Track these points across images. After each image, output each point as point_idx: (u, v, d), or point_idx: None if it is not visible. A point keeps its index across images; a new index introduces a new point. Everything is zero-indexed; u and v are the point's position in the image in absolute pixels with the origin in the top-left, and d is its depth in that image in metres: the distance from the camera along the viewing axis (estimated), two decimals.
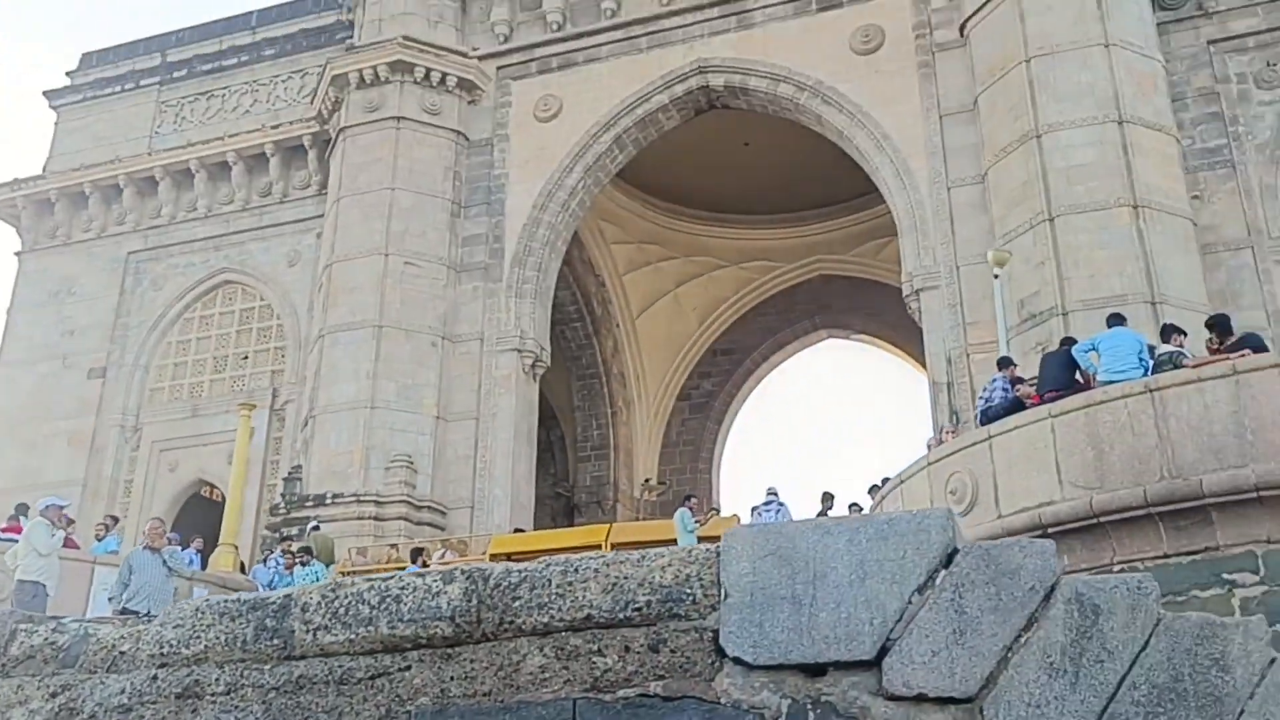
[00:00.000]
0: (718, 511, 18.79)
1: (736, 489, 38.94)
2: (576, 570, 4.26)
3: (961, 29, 19.74)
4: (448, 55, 22.50)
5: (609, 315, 30.18)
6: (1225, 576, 7.35)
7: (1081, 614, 3.70)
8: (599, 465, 29.94)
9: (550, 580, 4.28)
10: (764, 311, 31.84)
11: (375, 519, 19.80)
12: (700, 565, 4.14)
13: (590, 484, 29.75)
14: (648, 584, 4.15)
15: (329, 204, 22.55)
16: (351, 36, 24.05)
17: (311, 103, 23.79)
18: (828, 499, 14.68)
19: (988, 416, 9.63)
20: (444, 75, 22.36)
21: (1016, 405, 9.51)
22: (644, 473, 30.89)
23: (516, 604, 4.27)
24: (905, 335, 26.80)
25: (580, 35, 22.56)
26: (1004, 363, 11.03)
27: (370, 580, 4.57)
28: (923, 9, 20.45)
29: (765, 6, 21.49)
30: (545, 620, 4.22)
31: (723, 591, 4.05)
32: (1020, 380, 10.28)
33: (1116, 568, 7.77)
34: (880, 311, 29.34)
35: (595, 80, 22.31)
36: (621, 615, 4.14)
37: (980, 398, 10.45)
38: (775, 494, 14.11)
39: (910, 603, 3.82)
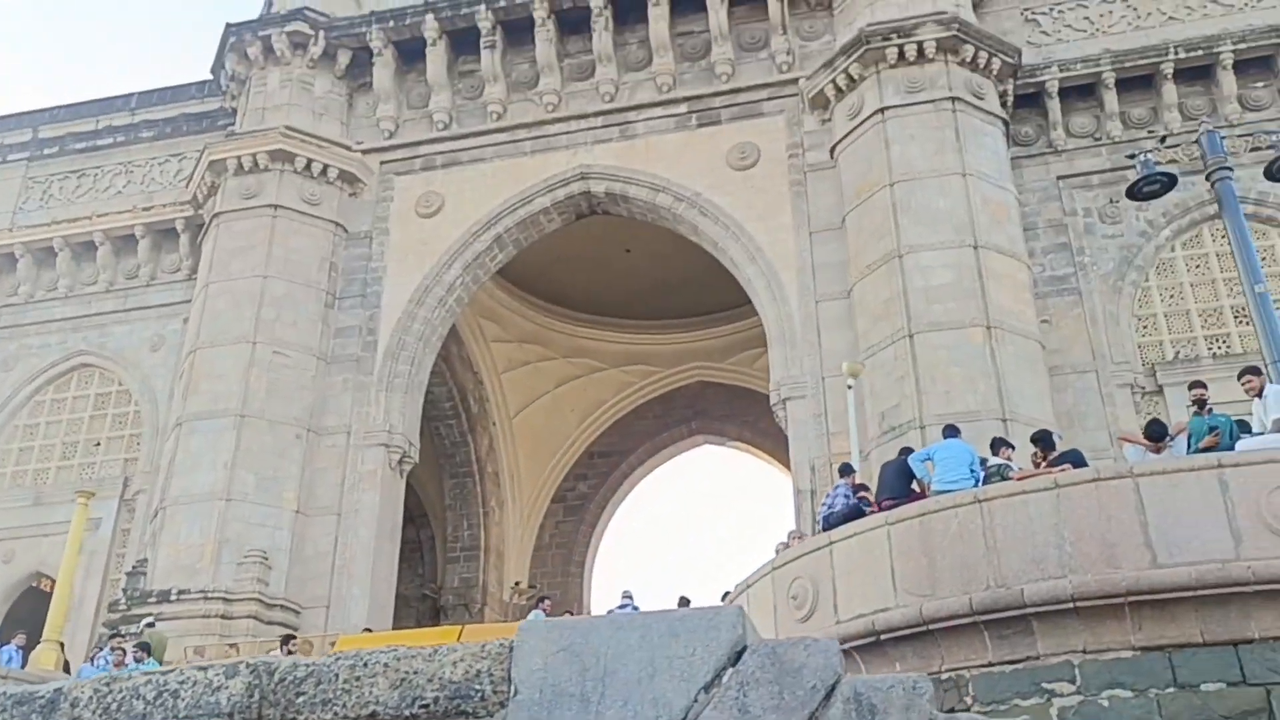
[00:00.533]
0: (570, 614, 18.47)
1: (608, 593, 38.45)
2: (366, 665, 4.12)
3: (832, 152, 20.67)
4: (331, 147, 22.48)
5: (486, 413, 29.95)
6: (1044, 686, 7.53)
7: (859, 712, 3.74)
8: (468, 566, 29.30)
9: (338, 675, 4.13)
10: (642, 415, 32.05)
11: (223, 617, 18.87)
12: (492, 661, 4.05)
13: (458, 585, 29.03)
14: (437, 680, 4.04)
15: (198, 289, 22.02)
16: (234, 123, 23.88)
17: (187, 186, 23.39)
18: (684, 604, 14.60)
19: (829, 523, 9.81)
20: (325, 166, 22.30)
21: (857, 511, 9.72)
22: (514, 575, 30.34)
23: (300, 700, 4.10)
24: (777, 443, 27.22)
25: (466, 135, 22.85)
26: (845, 470, 11.30)
27: (149, 675, 4.33)
28: (796, 131, 21.36)
29: (647, 119, 22.16)
30: (329, 717, 4.05)
31: (513, 688, 3.96)
32: (864, 487, 10.54)
33: (945, 675, 7.89)
34: (755, 419, 29.82)
35: (479, 180, 22.55)
36: (408, 712, 4.00)
37: (823, 504, 10.65)
38: (630, 597, 13.98)
39: (696, 700, 3.80)
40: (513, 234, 22.44)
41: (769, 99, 21.78)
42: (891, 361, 18.41)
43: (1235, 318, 19.40)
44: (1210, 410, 9.20)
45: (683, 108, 22.08)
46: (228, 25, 23.25)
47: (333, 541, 20.13)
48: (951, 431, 10.57)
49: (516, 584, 29.90)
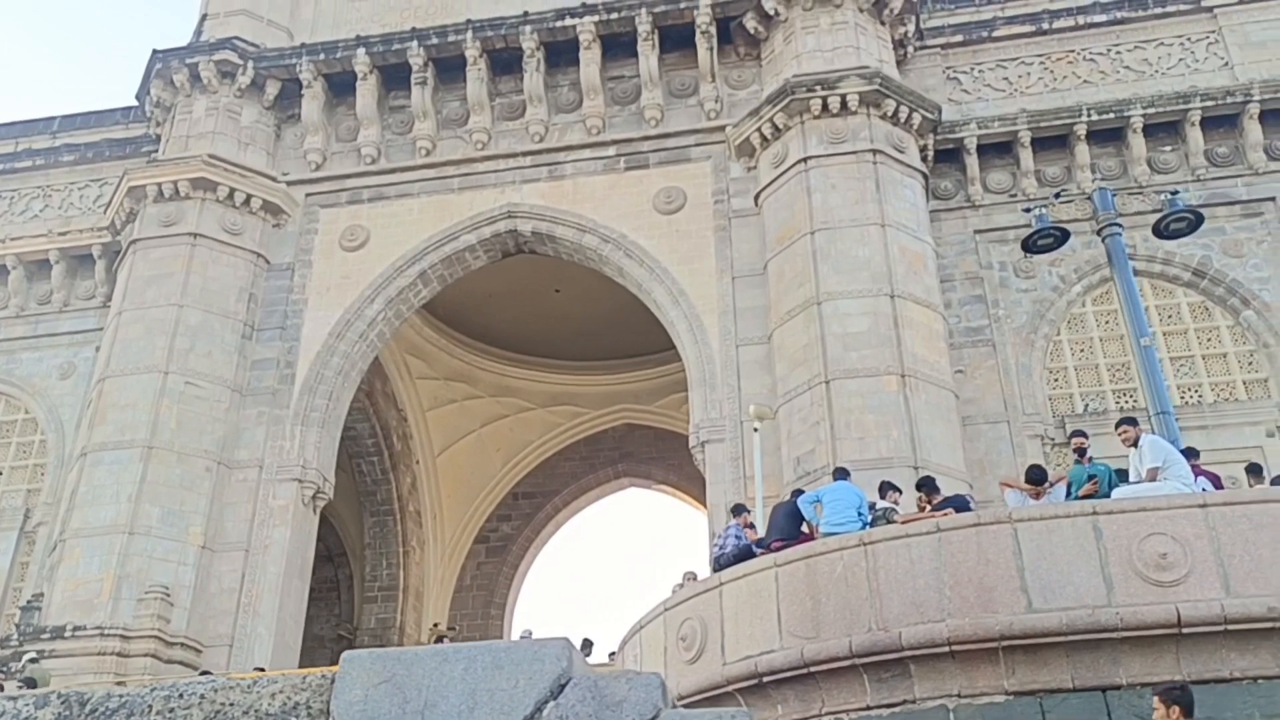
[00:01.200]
0: None
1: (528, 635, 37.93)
2: (182, 696, 3.99)
3: (756, 199, 20.94)
4: (255, 177, 22.25)
5: (409, 451, 29.60)
6: None
7: None
8: (386, 607, 28.75)
9: (151, 706, 3.98)
10: (569, 456, 31.90)
11: (119, 655, 18.25)
12: (312, 693, 3.94)
13: (375, 626, 28.45)
14: (254, 711, 3.91)
15: (110, 316, 21.54)
16: (158, 150, 23.55)
17: (105, 212, 22.96)
18: (587, 645, 14.45)
19: (720, 564, 9.79)
20: (249, 196, 22.04)
21: (748, 552, 9.72)
22: (434, 616, 29.82)
23: None
24: (702, 487, 27.17)
25: (394, 170, 22.77)
26: (737, 510, 11.32)
27: None
28: (722, 177, 21.62)
29: (576, 160, 22.29)
30: None
31: None
32: (752, 527, 10.55)
33: (825, 717, 7.87)
34: (680, 463, 29.77)
35: (405, 215, 22.44)
36: None
37: (715, 544, 10.64)
38: (529, 636, 13.80)
39: None
40: (438, 270, 22.32)
41: (697, 145, 22.04)
42: (808, 407, 18.56)
43: None
44: (1090, 459, 9.38)
45: (611, 150, 22.25)
46: (155, 51, 23.00)
47: (239, 578, 19.62)
48: (841, 474, 10.66)
49: (435, 625, 29.35)
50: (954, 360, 19.83)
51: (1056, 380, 20.18)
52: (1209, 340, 19.98)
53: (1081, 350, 20.15)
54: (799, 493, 10.74)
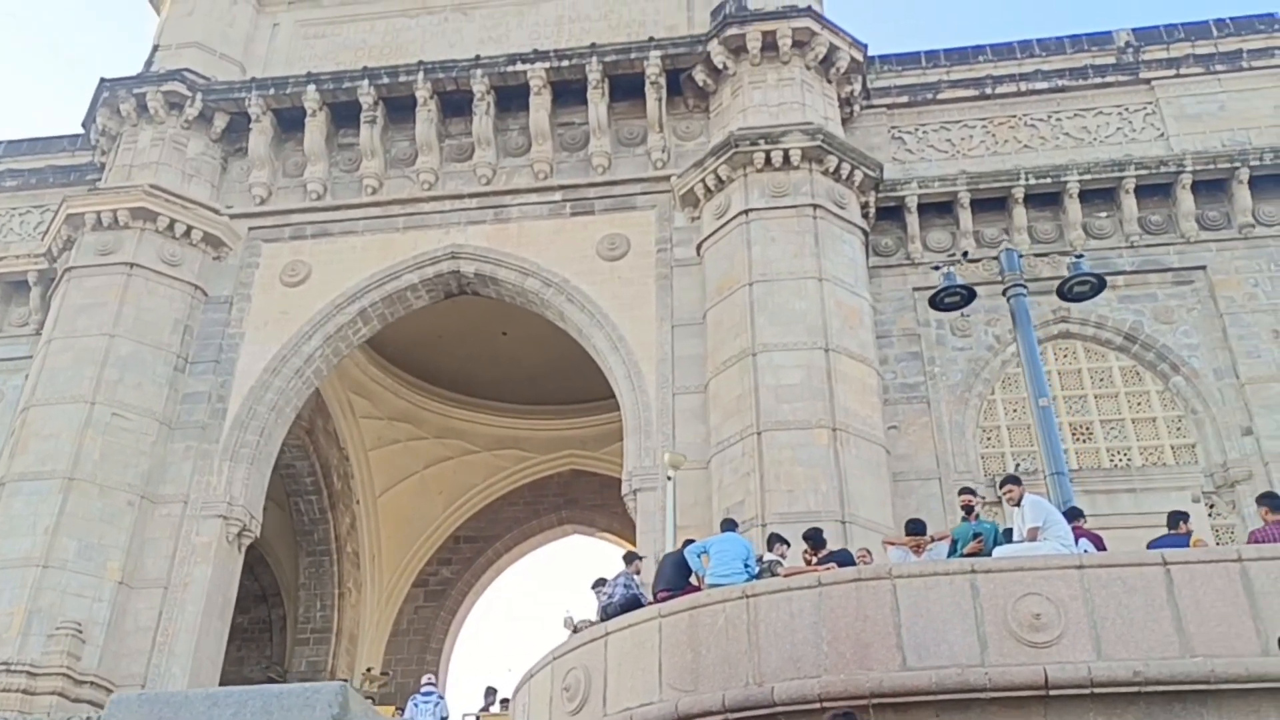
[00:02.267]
0: (373, 700, 17.86)
1: (465, 682, 37.35)
2: None
3: (698, 248, 21.04)
4: (197, 209, 22.11)
5: (349, 491, 29.25)
6: None
7: None
8: (318, 650, 28.21)
9: None
10: (512, 501, 31.64)
11: (24, 692, 17.73)
12: None
13: (305, 669, 27.87)
14: None
15: (40, 344, 21.24)
16: (102, 179, 23.39)
17: (43, 239, 22.72)
18: (490, 694, 14.21)
19: (608, 613, 9.66)
20: (189, 228, 21.89)
21: (635, 602, 9.60)
22: (368, 661, 29.28)
23: None
24: None
25: (339, 207, 22.72)
26: (629, 558, 11.20)
27: None
28: (667, 226, 21.72)
29: (522, 204, 22.34)
30: None
31: None
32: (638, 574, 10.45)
33: None
34: (625, 511, 29.45)
35: (348, 252, 22.35)
36: None
37: (605, 593, 10.51)
38: (433, 684, 13.56)
39: None
40: (378, 309, 22.20)
41: (643, 193, 22.17)
42: (739, 458, 18.51)
43: (1073, 435, 20.04)
44: (977, 517, 9.37)
45: (558, 195, 22.34)
46: (102, 80, 22.94)
47: (156, 616, 19.19)
48: (729, 525, 10.59)
49: (368, 670, 28.80)
50: (888, 416, 19.89)
51: (989, 439, 20.26)
52: (1139, 404, 20.17)
53: (1014, 410, 20.25)
54: (689, 542, 10.66)
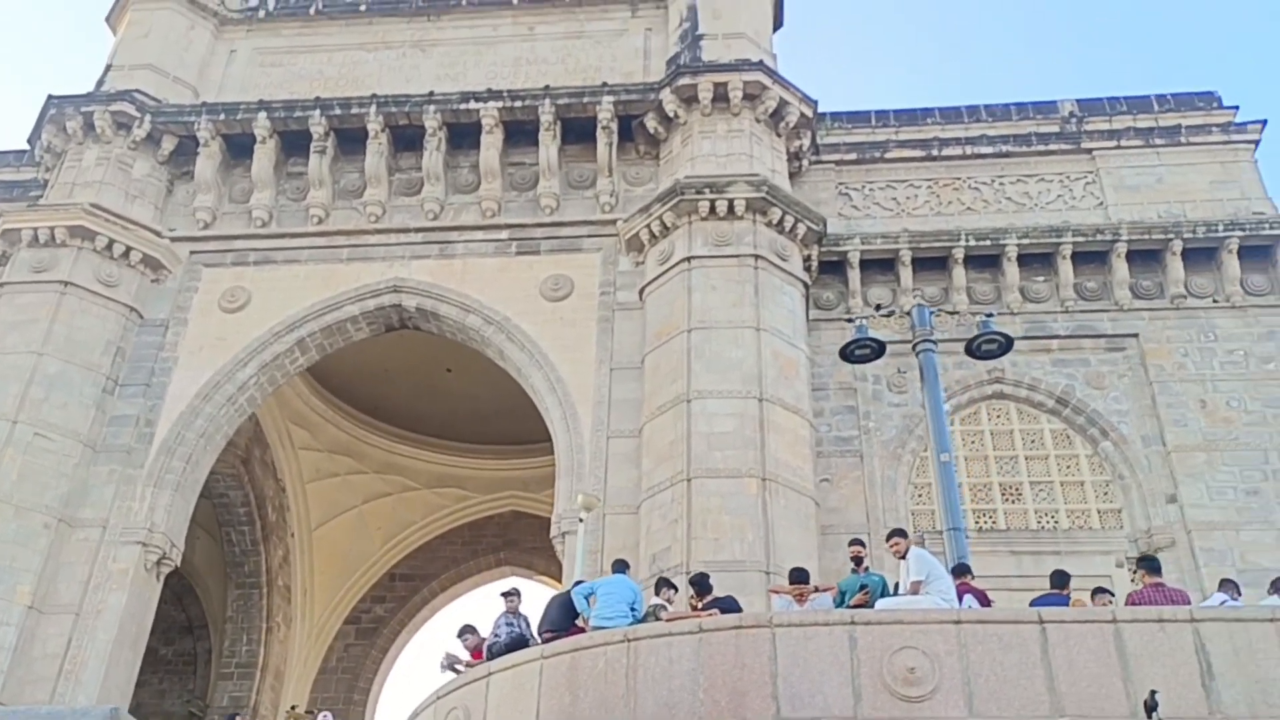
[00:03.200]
0: None
1: None
2: None
3: (641, 293, 21.09)
4: (137, 230, 21.92)
5: (284, 523, 28.79)
6: None
7: None
8: (242, 685, 27.55)
9: None
10: (451, 540, 31.27)
11: None
12: None
13: (228, 705, 27.17)
14: None
15: None
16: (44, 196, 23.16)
17: None
18: None
19: (492, 652, 9.51)
20: (128, 249, 21.68)
21: (521, 641, 9.46)
22: (294, 698, 28.64)
23: None
24: None
25: (283, 235, 22.62)
26: (509, 595, 11.05)
27: None
28: (611, 270, 21.78)
29: (468, 241, 22.33)
30: None
31: None
32: (515, 613, 10.31)
33: None
34: None
35: (290, 281, 22.20)
36: None
37: (492, 633, 10.35)
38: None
39: None
40: (317, 339, 22.02)
41: (589, 236, 22.23)
42: (669, 504, 18.42)
43: (1003, 495, 20.14)
44: (866, 569, 9.34)
45: (504, 234, 22.36)
46: (50, 96, 22.82)
47: (65, 643, 18.69)
48: (620, 567, 10.50)
49: (293, 709, 28.14)
50: (821, 469, 19.91)
51: (920, 495, 20.30)
52: (1068, 468, 20.32)
53: None
54: (579, 583, 10.54)
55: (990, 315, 13.48)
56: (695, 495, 18.20)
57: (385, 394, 28.97)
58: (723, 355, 19.47)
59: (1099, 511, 19.78)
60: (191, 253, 22.57)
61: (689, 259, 20.49)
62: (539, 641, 9.40)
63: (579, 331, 21.21)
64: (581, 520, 15.53)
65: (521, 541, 30.98)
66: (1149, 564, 9.31)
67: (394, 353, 26.23)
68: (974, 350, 12.45)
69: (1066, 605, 8.97)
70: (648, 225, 21.25)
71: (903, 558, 9.07)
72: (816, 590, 9.33)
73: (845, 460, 20.35)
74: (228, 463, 26.12)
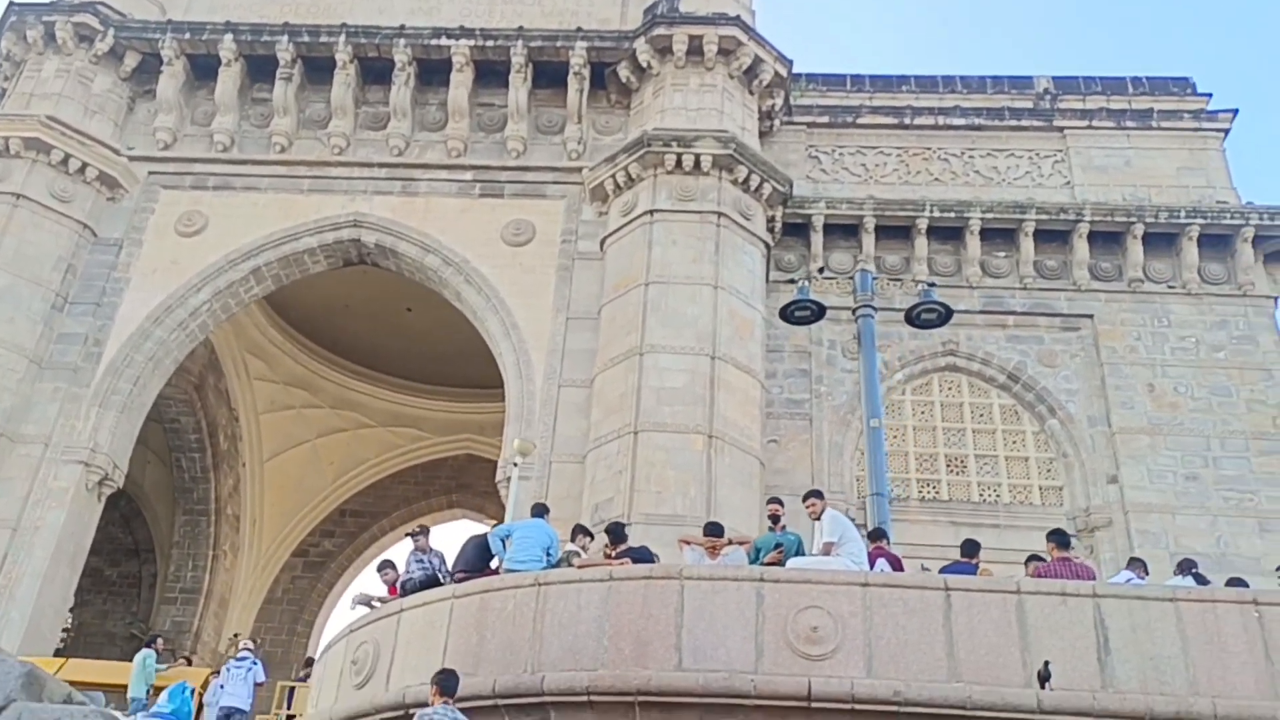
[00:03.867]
0: (189, 661, 17.70)
1: None
2: None
3: (602, 244, 20.96)
4: (95, 146, 21.50)
5: (236, 453, 28.67)
6: None
7: None
8: (185, 610, 27.58)
9: None
10: (404, 480, 31.28)
11: None
12: None
13: (170, 629, 27.18)
14: None
15: None
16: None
17: None
18: (309, 664, 13.99)
19: (406, 590, 9.55)
20: (84, 165, 21.28)
21: (432, 580, 9.50)
22: (237, 626, 28.70)
23: None
24: None
25: (244, 162, 22.25)
26: (415, 534, 11.07)
27: None
28: (574, 218, 21.62)
29: (431, 179, 22.07)
30: None
31: None
32: (426, 551, 10.36)
33: None
34: None
35: (249, 208, 21.88)
36: None
37: (406, 571, 10.39)
38: (250, 650, 13.32)
39: None
40: (273, 269, 21.78)
41: (554, 182, 22.03)
42: (614, 455, 18.47)
43: (948, 466, 20.32)
44: (784, 527, 9.41)
45: (468, 175, 22.11)
46: (11, 3, 22.25)
47: (1, 557, 18.58)
48: (539, 511, 10.53)
49: (235, 636, 28.21)
50: (770, 430, 20.00)
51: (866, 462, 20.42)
52: (1014, 443, 20.52)
53: (894, 436, 20.44)
54: (497, 525, 10.58)
55: (933, 285, 13.48)
56: (641, 448, 18.24)
57: (345, 329, 28.76)
58: (679, 311, 19.43)
59: (1040, 488, 20.02)
60: (150, 173, 22.19)
61: (652, 212, 20.35)
62: (452, 580, 9.44)
63: (538, 278, 21.09)
64: (516, 465, 15.56)
65: (475, 485, 31.01)
66: (1058, 538, 9.44)
67: (355, 288, 26.02)
68: (913, 319, 12.48)
69: (974, 574, 9.10)
70: (613, 175, 21.07)
71: (818, 519, 9.15)
72: (730, 544, 9.41)
73: (795, 423, 20.44)
74: (180, 389, 25.94)
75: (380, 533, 30.94)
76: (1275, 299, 21.19)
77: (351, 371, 29.92)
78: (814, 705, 7.31)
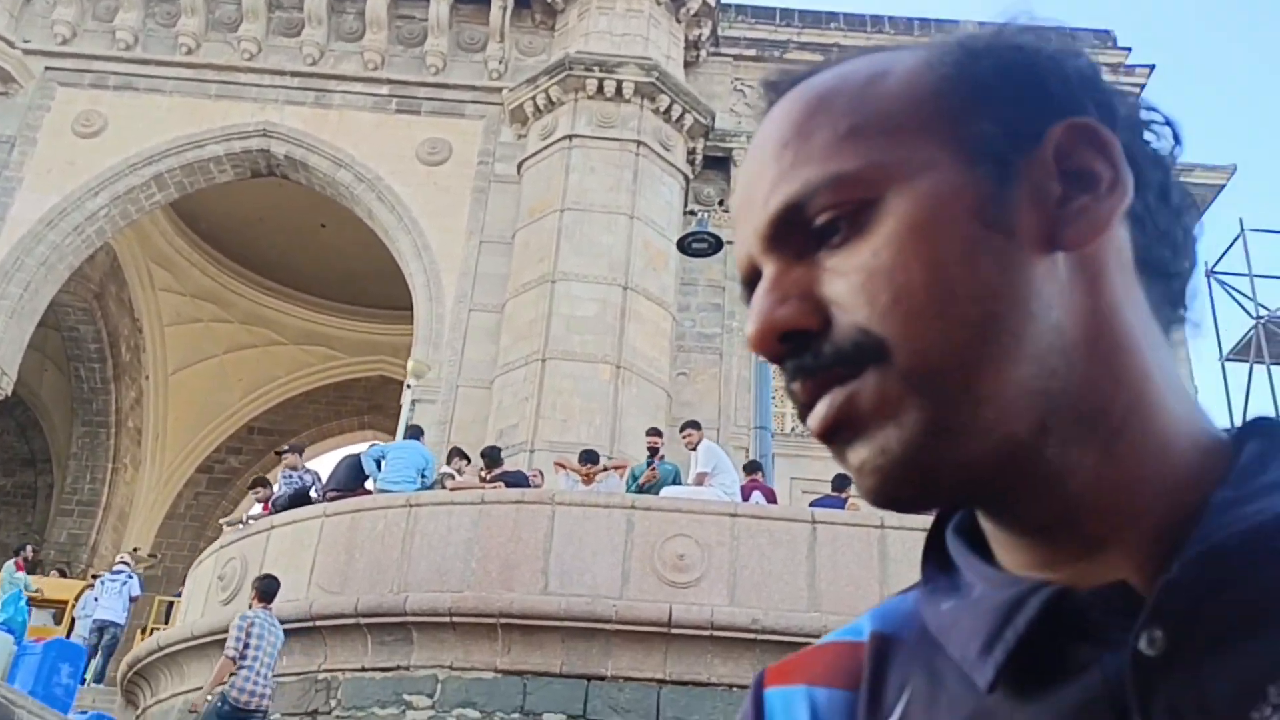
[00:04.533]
0: (62, 574, 17.58)
1: None
2: None
3: (519, 167, 20.61)
4: None
5: (139, 364, 27.94)
6: (405, 697, 7.36)
7: None
8: (82, 523, 27.05)
9: None
10: (315, 399, 30.87)
11: None
12: None
13: (65, 541, 26.71)
14: None
15: None
16: None
17: None
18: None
19: (276, 507, 9.43)
20: None
21: (303, 498, 9.39)
22: (136, 540, 28.20)
23: None
24: None
25: (148, 62, 21.32)
26: (284, 452, 10.97)
27: None
28: (492, 139, 21.19)
29: (346, 92, 21.42)
30: None
31: None
32: (296, 469, 10.25)
33: (321, 675, 7.59)
34: None
35: (152, 111, 21.03)
36: None
37: (277, 489, 10.27)
38: (127, 564, 13.12)
39: None
40: (176, 176, 21.03)
41: (474, 102, 21.53)
42: (521, 382, 18.38)
43: None
44: (662, 458, 9.47)
45: (385, 89, 21.49)
46: None
47: None
48: (414, 433, 10.46)
49: (135, 550, 27.75)
50: (680, 363, 20.04)
51: (774, 399, 20.60)
52: None
53: None
54: (373, 446, 10.48)
55: (710, 212, 13.40)
56: (549, 376, 18.18)
57: (257, 243, 28.02)
58: (593, 239, 19.25)
59: None
60: (46, 69, 21.15)
61: (571, 137, 20.03)
62: (324, 500, 9.33)
63: (452, 199, 20.71)
64: (410, 386, 15.36)
65: (387, 406, 30.64)
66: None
67: (270, 201, 25.29)
68: (684, 248, 12.49)
69: (843, 508, 9.26)
70: (533, 98, 20.64)
71: (694, 449, 9.19)
72: (605, 470, 9.43)
73: (705, 357, 20.51)
74: (79, 296, 25.12)
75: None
76: None
77: (263, 287, 29.24)
78: (674, 631, 7.40)
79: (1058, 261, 0.61)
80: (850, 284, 0.61)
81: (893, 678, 0.65)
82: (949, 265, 0.59)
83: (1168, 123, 0.69)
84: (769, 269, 0.65)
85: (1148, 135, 0.68)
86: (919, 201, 0.61)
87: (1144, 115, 0.69)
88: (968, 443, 0.58)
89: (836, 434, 0.62)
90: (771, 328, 0.63)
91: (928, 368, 0.58)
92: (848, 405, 0.60)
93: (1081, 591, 0.58)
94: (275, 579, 6.94)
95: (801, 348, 0.62)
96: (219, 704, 6.64)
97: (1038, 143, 0.63)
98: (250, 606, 6.93)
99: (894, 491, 0.60)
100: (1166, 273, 0.66)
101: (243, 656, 6.64)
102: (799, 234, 0.64)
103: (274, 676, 7.01)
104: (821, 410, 0.62)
